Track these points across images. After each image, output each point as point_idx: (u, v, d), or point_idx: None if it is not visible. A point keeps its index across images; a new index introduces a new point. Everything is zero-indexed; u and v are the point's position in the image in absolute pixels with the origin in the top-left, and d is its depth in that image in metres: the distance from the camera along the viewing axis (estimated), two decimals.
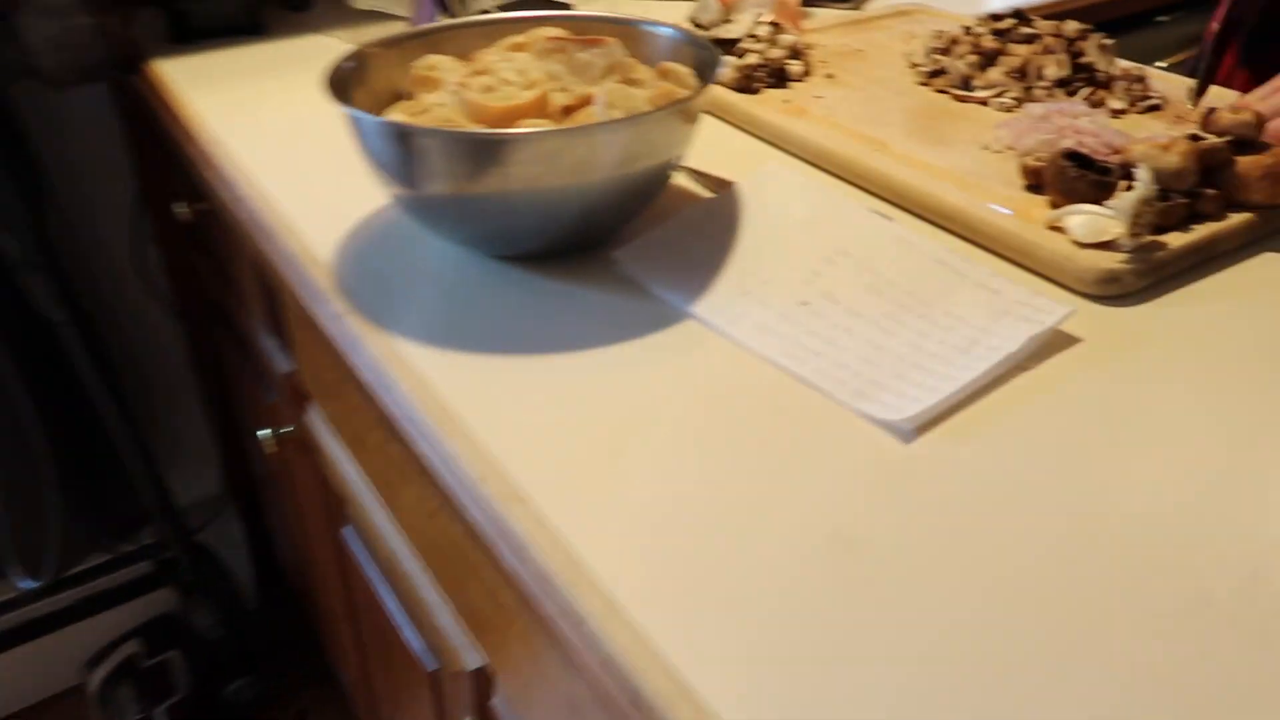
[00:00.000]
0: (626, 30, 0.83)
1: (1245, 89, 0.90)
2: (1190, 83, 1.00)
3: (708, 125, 1.02)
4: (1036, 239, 0.75)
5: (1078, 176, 0.76)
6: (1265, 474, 0.55)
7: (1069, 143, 0.85)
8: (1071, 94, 0.99)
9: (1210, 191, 0.77)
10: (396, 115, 0.74)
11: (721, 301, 0.70)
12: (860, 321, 0.67)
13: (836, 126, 0.95)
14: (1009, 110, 0.98)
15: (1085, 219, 0.74)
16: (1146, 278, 0.73)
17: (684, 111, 0.71)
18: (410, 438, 0.63)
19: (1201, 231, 0.76)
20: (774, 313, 0.68)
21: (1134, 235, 0.72)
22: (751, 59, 1.04)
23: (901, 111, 0.99)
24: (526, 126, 0.70)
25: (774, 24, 1.09)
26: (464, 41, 0.83)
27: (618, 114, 0.71)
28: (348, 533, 1.16)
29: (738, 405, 0.61)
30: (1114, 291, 0.72)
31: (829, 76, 1.08)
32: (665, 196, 0.83)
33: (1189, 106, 0.96)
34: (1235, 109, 0.79)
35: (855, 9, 1.41)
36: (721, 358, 0.65)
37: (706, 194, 0.86)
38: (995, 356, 0.63)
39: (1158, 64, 1.45)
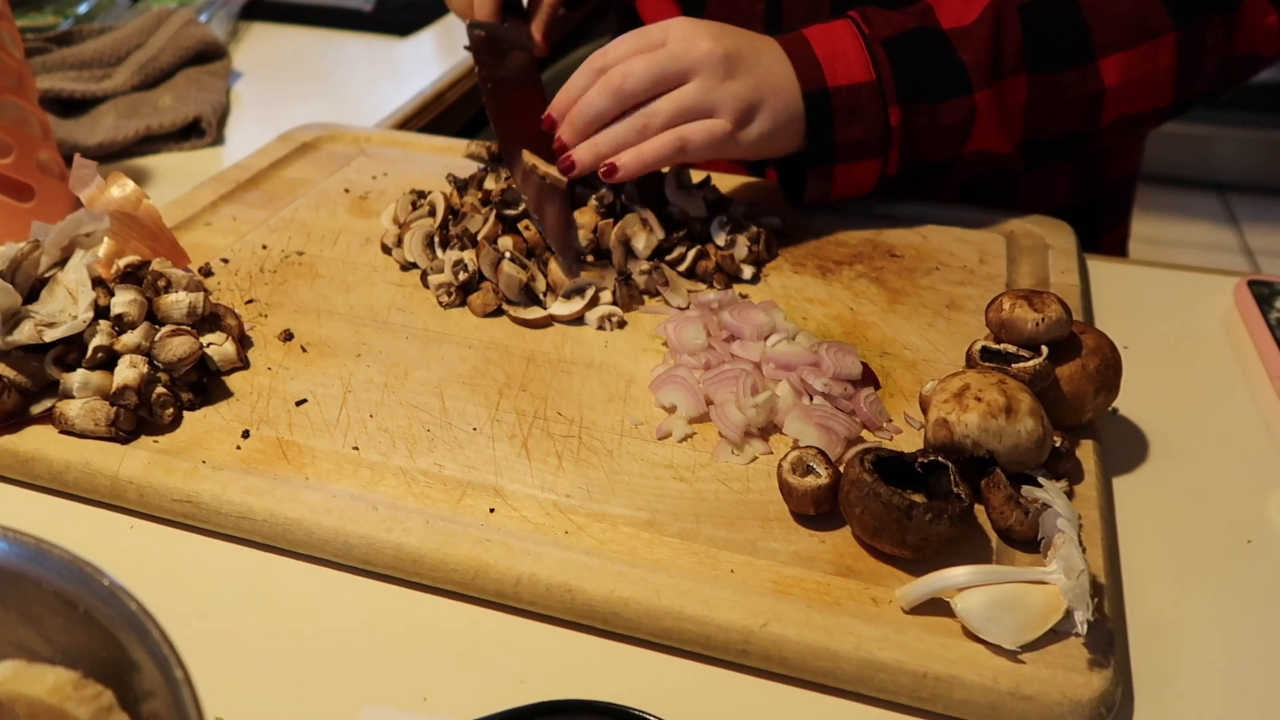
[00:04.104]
0: None
1: None
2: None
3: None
4: (946, 668, 0.39)
5: (908, 510, 0.42)
6: None
7: (806, 433, 0.50)
8: (678, 265, 0.64)
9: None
10: None
11: None
12: None
13: (403, 474, 0.49)
14: (611, 326, 0.60)
15: (989, 602, 0.40)
16: (1120, 676, 0.41)
17: None
18: None
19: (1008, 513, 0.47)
20: None
21: (1094, 608, 0.40)
22: (128, 375, 0.51)
23: (460, 384, 0.55)
24: None
25: (131, 273, 0.56)
26: None
27: None
28: None
29: None
30: None
31: (287, 338, 0.59)
32: None
33: None
34: (1013, 305, 0.50)
35: (208, 144, 0.90)
36: None
37: None
38: None
39: None
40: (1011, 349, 0.49)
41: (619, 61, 0.63)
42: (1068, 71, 0.65)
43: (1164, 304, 0.67)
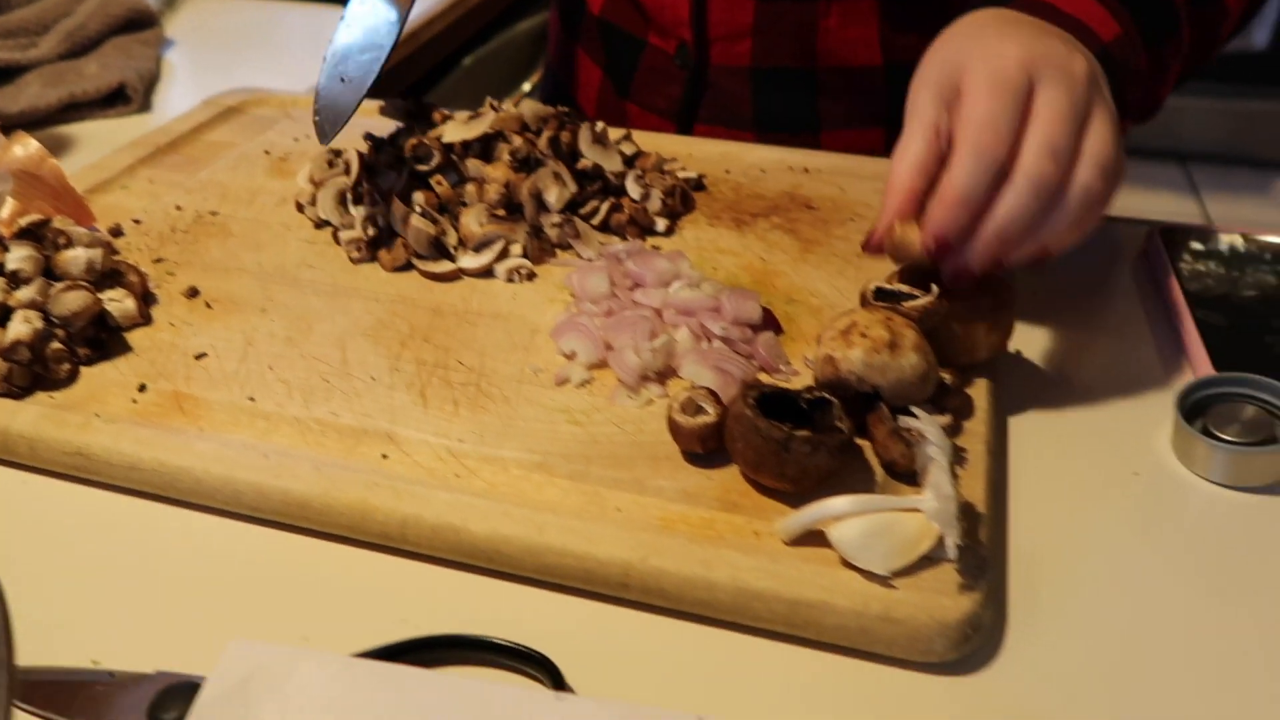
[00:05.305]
0: None
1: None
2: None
3: None
4: (818, 594, 0.40)
5: (786, 442, 0.42)
6: None
7: (702, 375, 0.51)
8: (591, 218, 0.64)
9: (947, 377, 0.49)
10: None
11: None
12: None
13: (298, 423, 0.49)
14: (520, 279, 0.60)
15: (864, 530, 0.40)
16: (989, 599, 0.42)
17: None
18: None
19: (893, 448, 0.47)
20: None
21: (962, 532, 0.40)
22: (21, 330, 0.50)
23: (363, 337, 0.55)
24: None
25: (30, 230, 0.56)
26: None
27: None
28: None
29: None
30: (974, 646, 0.40)
31: (192, 294, 0.59)
32: None
33: None
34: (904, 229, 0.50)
35: (134, 111, 0.89)
36: None
37: None
38: None
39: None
40: (904, 289, 0.50)
41: (1010, 142, 0.47)
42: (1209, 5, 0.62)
43: (1080, 251, 0.68)
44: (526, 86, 1.38)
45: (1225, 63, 2.65)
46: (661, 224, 0.65)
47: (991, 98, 0.47)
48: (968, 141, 0.47)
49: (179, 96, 0.93)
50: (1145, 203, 2.70)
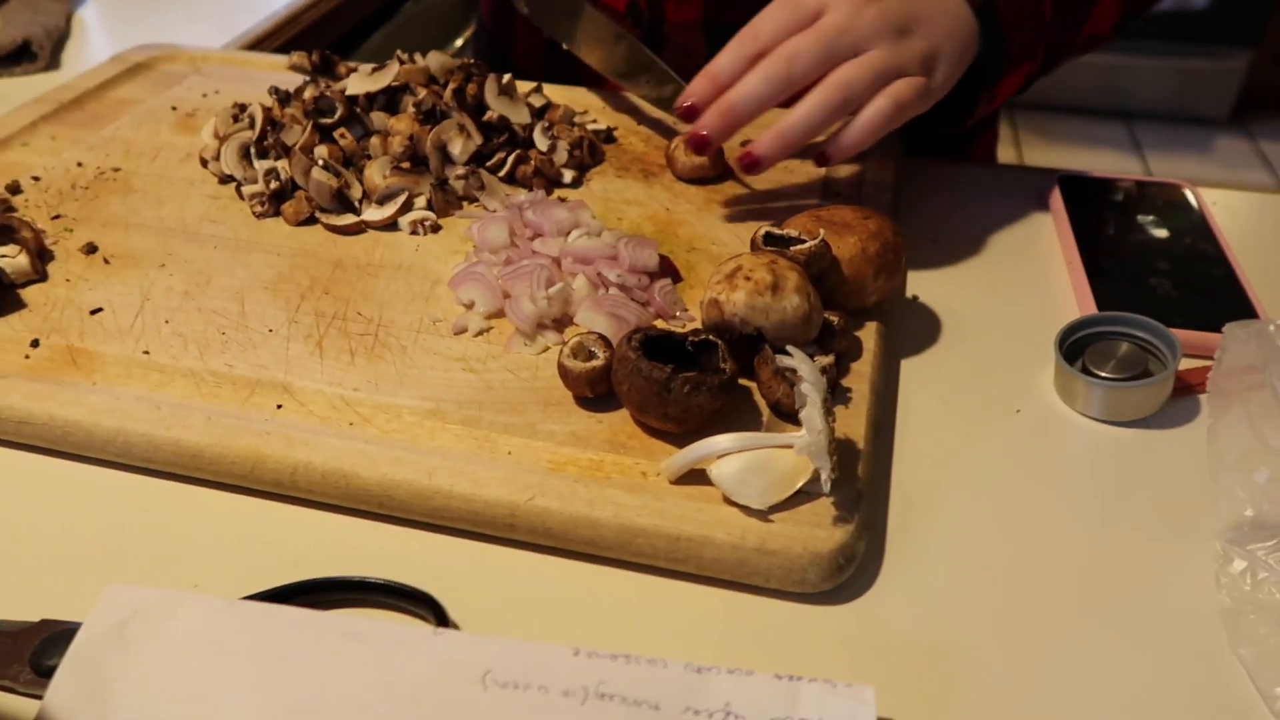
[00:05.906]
0: None
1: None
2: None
3: None
4: (698, 529, 0.41)
5: (667, 383, 0.43)
6: None
7: (596, 322, 0.51)
8: (497, 170, 0.64)
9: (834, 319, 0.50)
10: None
11: None
12: None
13: (193, 375, 0.49)
14: (424, 231, 0.60)
15: (742, 467, 0.41)
16: (863, 531, 0.43)
17: None
18: None
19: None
20: None
21: (834, 466, 0.41)
22: None
23: (262, 290, 0.55)
24: None
25: None
26: None
27: None
28: None
29: None
30: (847, 576, 0.41)
31: (89, 250, 0.58)
32: None
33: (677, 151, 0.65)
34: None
35: (43, 68, 0.87)
36: None
37: None
38: None
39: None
40: (793, 233, 0.50)
41: (774, 40, 0.57)
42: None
43: (984, 200, 0.69)
44: (459, 43, 1.37)
45: (1167, 22, 2.68)
46: (568, 175, 0.65)
47: (777, 8, 0.58)
48: (737, 36, 0.58)
49: (90, 54, 0.91)
50: (1090, 160, 2.74)
